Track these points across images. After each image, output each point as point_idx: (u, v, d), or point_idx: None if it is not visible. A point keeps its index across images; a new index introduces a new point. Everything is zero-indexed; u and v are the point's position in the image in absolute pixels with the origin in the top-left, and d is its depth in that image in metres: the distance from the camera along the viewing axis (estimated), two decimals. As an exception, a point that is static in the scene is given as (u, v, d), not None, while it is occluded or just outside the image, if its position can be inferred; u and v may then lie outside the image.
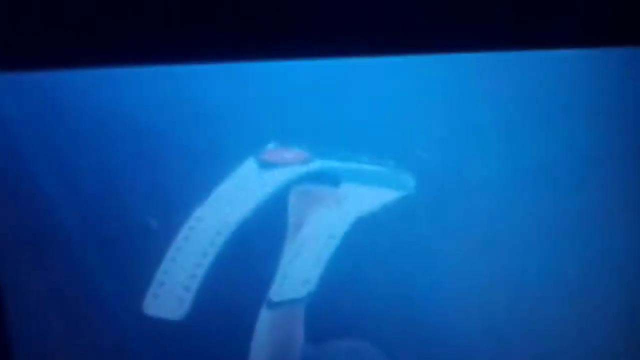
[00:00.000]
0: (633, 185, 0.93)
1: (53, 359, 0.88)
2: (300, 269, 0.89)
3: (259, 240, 0.88)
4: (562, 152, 0.92)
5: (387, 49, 0.88)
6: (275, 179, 0.88)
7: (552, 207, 0.92)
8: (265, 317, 0.88)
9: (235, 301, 0.89)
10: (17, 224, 0.85)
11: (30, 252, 0.86)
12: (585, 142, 0.92)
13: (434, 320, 0.91)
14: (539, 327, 0.94)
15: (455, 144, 0.90)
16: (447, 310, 0.91)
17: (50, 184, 0.85)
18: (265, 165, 0.88)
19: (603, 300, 0.95)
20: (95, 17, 0.82)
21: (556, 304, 0.94)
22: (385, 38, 0.88)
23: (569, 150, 0.92)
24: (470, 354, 0.92)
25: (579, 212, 0.92)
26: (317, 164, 0.89)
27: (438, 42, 0.88)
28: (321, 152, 0.89)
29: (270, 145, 0.88)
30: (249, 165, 0.88)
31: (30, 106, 0.84)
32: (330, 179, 0.89)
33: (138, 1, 0.81)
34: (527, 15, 0.89)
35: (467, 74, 0.89)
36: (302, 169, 0.89)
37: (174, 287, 0.87)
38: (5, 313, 0.85)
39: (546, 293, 0.94)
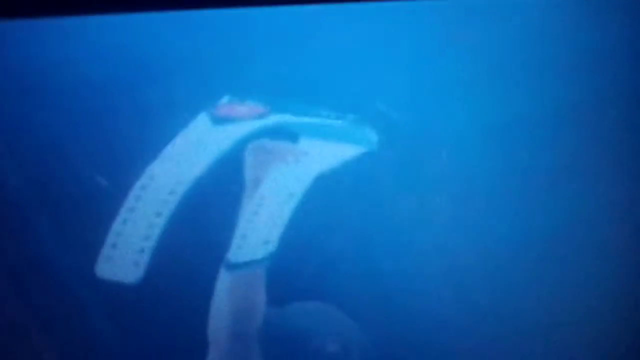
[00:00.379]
0: (611, 137, 0.89)
1: (6, 328, 0.84)
2: (259, 229, 0.85)
3: (215, 199, 0.85)
4: (535, 106, 0.88)
5: (346, -5, 0.84)
6: (230, 134, 0.85)
7: (524, 163, 0.88)
8: (224, 280, 0.85)
9: (192, 263, 0.86)
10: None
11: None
12: (563, 95, 0.89)
13: (398, 280, 0.87)
14: (514, 293, 0.90)
15: (421, 97, 0.87)
16: (411, 270, 0.87)
17: (-4, 142, 0.82)
18: (220, 120, 0.85)
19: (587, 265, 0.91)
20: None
21: (533, 268, 0.90)
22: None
23: (544, 103, 0.88)
24: (437, 317, 0.88)
25: (554, 166, 0.88)
26: (273, 119, 0.86)
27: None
28: (278, 106, 0.86)
29: (224, 99, 0.85)
30: (203, 120, 0.85)
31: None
32: (288, 134, 0.86)
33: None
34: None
35: (432, 21, 0.86)
36: (258, 124, 0.86)
37: (127, 250, 0.84)
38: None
39: (522, 256, 0.90)
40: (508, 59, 0.88)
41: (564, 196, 0.89)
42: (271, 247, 0.86)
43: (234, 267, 0.85)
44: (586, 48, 0.88)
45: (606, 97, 0.88)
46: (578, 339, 0.89)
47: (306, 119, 0.86)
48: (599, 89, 0.89)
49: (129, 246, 0.84)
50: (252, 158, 0.85)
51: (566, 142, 0.89)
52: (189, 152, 0.84)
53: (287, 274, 0.87)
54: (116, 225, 0.84)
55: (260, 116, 0.85)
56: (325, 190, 0.87)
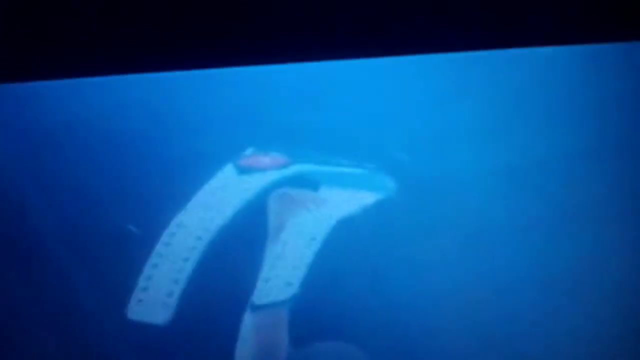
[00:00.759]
0: (625, 183, 0.92)
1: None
2: (282, 272, 0.89)
3: (240, 244, 0.89)
4: (547, 152, 0.91)
5: (362, 52, 0.89)
6: (254, 183, 0.90)
7: (538, 208, 0.91)
8: (248, 321, 0.89)
9: (218, 305, 0.89)
10: None
11: (11, 263, 0.87)
12: (572, 140, 0.92)
13: (416, 321, 0.90)
14: (525, 329, 0.92)
15: (435, 145, 0.90)
16: (430, 312, 0.90)
17: (31, 194, 0.87)
18: (244, 170, 0.89)
19: (595, 302, 0.93)
20: (67, 28, 0.84)
21: (544, 306, 0.93)
22: (361, 41, 0.89)
23: (555, 149, 0.91)
24: (455, 356, 0.91)
25: (567, 211, 0.91)
26: (295, 168, 0.90)
27: (416, 43, 0.89)
28: (299, 156, 0.90)
29: (249, 151, 0.89)
30: (228, 171, 0.89)
31: (6, 116, 0.86)
32: (309, 182, 0.90)
33: (111, 10, 0.84)
34: (507, 12, 0.90)
35: (446, 75, 0.90)
36: (281, 173, 0.90)
37: (157, 293, 0.88)
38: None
39: (533, 295, 0.92)
40: (517, 107, 0.91)
41: (575, 241, 0.92)
42: (293, 289, 0.90)
43: (257, 308, 0.89)
44: (591, 96, 0.91)
45: (612, 142, 0.91)
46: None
47: (326, 168, 0.90)
48: (604, 134, 0.92)
49: (158, 289, 0.89)
50: (275, 205, 0.90)
51: (580, 187, 0.91)
52: (215, 201, 0.89)
53: (308, 315, 0.90)
54: (147, 270, 0.89)
55: (283, 166, 0.90)
56: (344, 234, 0.91)
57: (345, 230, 0.90)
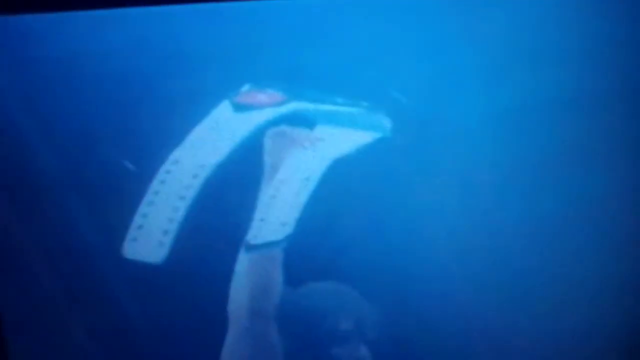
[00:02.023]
0: (619, 128, 0.92)
1: (38, 306, 0.89)
2: (277, 212, 0.89)
3: (236, 183, 0.89)
4: (544, 97, 0.91)
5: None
6: (250, 120, 0.89)
7: (532, 151, 0.91)
8: (244, 260, 0.89)
9: (214, 244, 0.90)
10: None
11: (11, 200, 0.87)
12: (569, 86, 0.92)
13: (410, 262, 0.91)
14: (519, 275, 0.93)
15: (433, 85, 0.90)
16: (422, 252, 0.91)
17: (28, 130, 0.87)
18: (240, 107, 0.89)
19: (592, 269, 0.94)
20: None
21: (538, 250, 0.94)
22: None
23: (551, 94, 0.91)
24: (446, 302, 0.92)
25: (560, 155, 0.92)
26: (291, 106, 0.90)
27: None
28: (296, 94, 0.90)
29: (245, 88, 0.89)
30: (224, 108, 0.89)
31: (6, 51, 0.85)
32: (305, 120, 0.90)
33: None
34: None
35: (444, 13, 0.90)
36: (277, 111, 0.89)
37: (152, 231, 0.88)
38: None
39: (527, 240, 0.93)
40: (516, 49, 0.91)
41: (571, 185, 0.92)
42: (288, 229, 0.90)
43: (252, 248, 0.90)
44: (595, 41, 0.91)
45: (612, 89, 0.91)
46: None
47: (322, 107, 0.90)
48: (605, 80, 0.92)
49: (154, 227, 0.89)
50: (271, 144, 0.89)
51: (572, 131, 0.92)
52: (211, 138, 0.89)
53: (303, 255, 0.91)
54: (142, 208, 0.88)
55: (279, 104, 0.89)
56: (340, 174, 0.91)
57: (341, 170, 0.91)
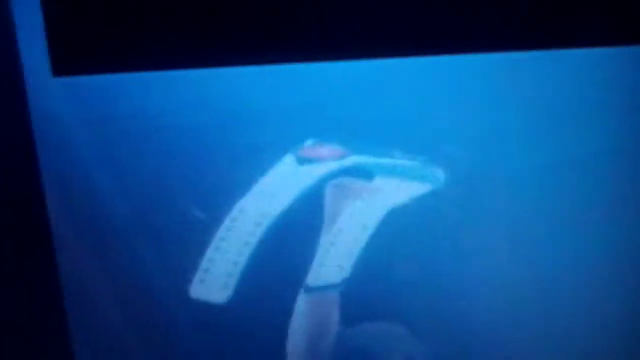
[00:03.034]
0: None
1: (106, 339, 0.96)
2: (335, 257, 0.95)
3: (297, 231, 0.95)
4: (585, 149, 0.96)
5: (418, 50, 0.93)
6: (312, 173, 0.95)
7: (577, 204, 0.97)
8: (302, 301, 0.95)
9: (274, 286, 0.96)
10: (74, 216, 0.93)
11: (86, 243, 0.94)
12: (608, 140, 0.96)
13: (460, 305, 0.96)
14: (567, 322, 0.99)
15: (483, 140, 0.95)
16: (473, 298, 0.96)
17: (106, 181, 0.93)
18: (303, 160, 0.94)
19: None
20: (145, 24, 0.88)
21: (584, 301, 0.99)
22: (417, 39, 0.92)
23: (593, 146, 0.96)
24: (494, 343, 0.98)
25: (605, 208, 0.96)
26: (351, 159, 0.95)
27: (465, 43, 0.93)
28: (355, 148, 0.95)
29: (308, 142, 0.95)
30: (288, 161, 0.94)
31: (85, 107, 0.91)
32: (364, 173, 0.95)
33: (185, 8, 0.88)
34: (551, 13, 0.93)
35: (495, 74, 0.94)
36: (338, 164, 0.95)
37: (218, 274, 0.95)
38: (67, 301, 0.94)
39: (574, 290, 0.98)
40: (563, 105, 0.95)
41: (616, 236, 0.97)
42: (345, 273, 0.96)
43: (311, 290, 0.96)
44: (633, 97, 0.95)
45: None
46: None
47: (380, 160, 0.95)
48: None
49: (220, 270, 0.95)
50: (331, 194, 0.95)
51: (618, 183, 0.96)
52: (275, 189, 0.94)
53: (358, 298, 0.97)
54: (209, 252, 0.95)
55: (340, 157, 0.95)
56: (396, 223, 0.96)
57: (397, 220, 0.96)
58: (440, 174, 0.95)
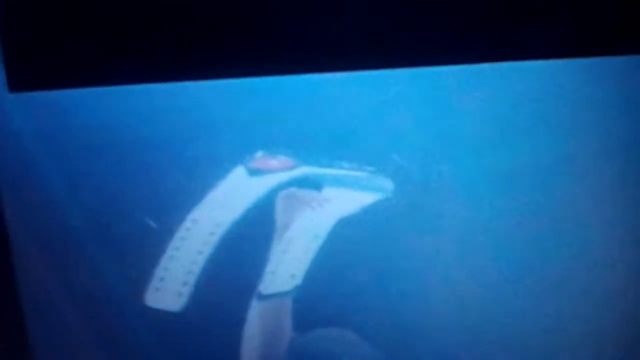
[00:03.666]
0: (623, 192, 0.99)
1: (66, 347, 0.99)
2: (287, 265, 0.98)
3: (249, 240, 0.98)
4: (538, 157, 0.98)
5: (365, 64, 0.95)
6: (263, 184, 0.97)
7: (532, 212, 0.99)
8: (255, 309, 0.98)
9: (228, 294, 0.98)
10: (32, 229, 0.96)
11: (44, 254, 0.97)
12: (563, 147, 0.99)
13: (413, 313, 0.99)
14: (522, 327, 1.02)
15: (432, 150, 0.97)
16: (426, 303, 0.99)
17: (62, 192, 0.96)
18: (254, 172, 0.97)
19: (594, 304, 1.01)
20: (99, 39, 0.92)
21: (539, 305, 1.02)
22: (364, 53, 0.95)
23: (548, 158, 0.98)
24: (450, 347, 1.00)
25: (561, 215, 0.99)
26: (301, 170, 0.98)
27: (416, 56, 0.96)
28: (305, 159, 0.98)
29: (259, 154, 0.97)
30: (239, 172, 0.97)
31: (41, 122, 0.94)
32: (314, 183, 0.98)
33: (137, 24, 0.91)
34: (509, 24, 0.95)
35: (444, 86, 0.96)
36: (288, 175, 0.98)
37: (173, 282, 0.98)
38: (23, 308, 0.97)
39: (527, 294, 1.01)
40: (512, 116, 0.98)
41: (569, 240, 1.00)
42: (297, 281, 0.99)
43: (264, 297, 0.99)
44: (585, 104, 0.98)
45: (605, 149, 0.98)
46: None
47: (329, 171, 0.98)
48: (597, 141, 0.99)
49: (174, 279, 0.98)
50: (282, 204, 0.98)
51: (568, 190, 0.99)
52: (227, 200, 0.97)
53: (310, 305, 1.00)
54: (164, 262, 0.98)
55: (290, 168, 0.98)
56: (345, 232, 0.99)
57: (346, 228, 0.99)
58: (388, 184, 0.97)
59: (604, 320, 1.02)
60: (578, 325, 1.02)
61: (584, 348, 1.02)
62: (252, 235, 0.97)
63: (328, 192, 0.98)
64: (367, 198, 0.98)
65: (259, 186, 0.97)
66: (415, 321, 0.99)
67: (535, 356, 1.01)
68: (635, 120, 0.99)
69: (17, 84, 0.92)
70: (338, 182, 0.97)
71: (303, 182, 0.98)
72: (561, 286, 1.01)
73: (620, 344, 1.04)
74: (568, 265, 1.01)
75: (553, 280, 1.01)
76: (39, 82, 0.93)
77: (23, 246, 0.96)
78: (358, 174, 0.98)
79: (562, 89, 0.98)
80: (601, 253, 1.01)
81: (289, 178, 0.98)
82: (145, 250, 0.97)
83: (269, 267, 0.98)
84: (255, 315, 0.98)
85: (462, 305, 0.99)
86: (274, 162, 0.97)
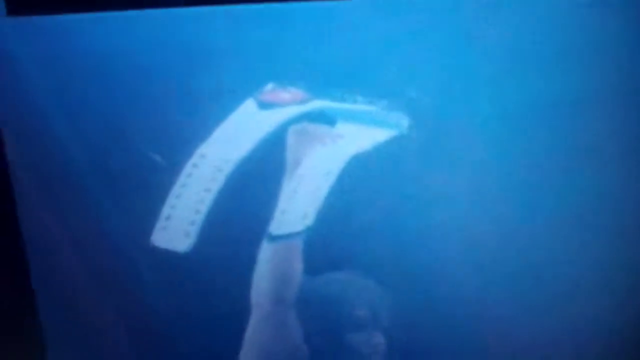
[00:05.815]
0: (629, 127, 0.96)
1: (69, 288, 0.94)
2: (298, 205, 0.94)
3: (259, 177, 0.94)
4: (554, 96, 0.95)
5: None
6: (273, 118, 0.93)
7: (546, 149, 0.96)
8: (266, 250, 0.93)
9: (237, 235, 0.94)
10: (30, 164, 0.90)
11: (45, 192, 0.92)
12: (578, 87, 0.96)
13: (424, 252, 0.95)
14: (528, 269, 0.98)
15: (448, 85, 0.94)
16: (436, 243, 0.95)
17: (62, 122, 0.91)
18: (264, 105, 0.93)
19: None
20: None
21: (550, 246, 0.98)
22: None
23: (560, 93, 0.95)
24: (458, 287, 0.97)
25: (575, 153, 0.96)
26: (313, 104, 0.93)
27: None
28: (318, 93, 0.94)
29: (269, 86, 0.93)
30: (249, 106, 0.92)
31: (40, 48, 0.89)
32: (326, 118, 0.94)
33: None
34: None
35: (462, 16, 0.93)
36: (300, 109, 0.93)
37: (180, 221, 0.93)
38: (26, 250, 0.91)
39: (538, 236, 0.98)
40: (529, 49, 0.94)
41: (582, 181, 0.97)
42: (309, 221, 0.94)
43: (274, 238, 0.94)
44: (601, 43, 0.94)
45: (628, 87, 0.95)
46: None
47: (343, 105, 0.94)
48: (619, 79, 0.95)
49: (181, 218, 0.93)
50: (293, 140, 0.94)
51: (581, 130, 0.96)
52: (236, 134, 0.93)
53: (322, 246, 0.95)
54: (170, 199, 0.93)
55: (301, 102, 0.93)
56: (358, 169, 0.95)
57: (360, 165, 0.94)
58: (403, 119, 0.93)
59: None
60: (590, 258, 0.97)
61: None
62: (262, 172, 0.94)
63: (341, 127, 0.94)
64: (381, 134, 0.94)
65: (270, 120, 0.93)
66: (428, 262, 0.95)
67: (550, 291, 0.96)
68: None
69: (15, 8, 0.87)
70: (351, 117, 0.94)
71: (315, 117, 0.95)
72: (574, 223, 0.97)
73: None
74: (582, 201, 0.97)
75: (565, 218, 0.97)
76: (37, 6, 0.88)
77: (22, 185, 0.90)
78: (372, 108, 0.94)
79: (588, 22, 0.93)
80: (616, 191, 0.97)
81: (301, 112, 0.94)
82: (150, 186, 0.92)
83: (280, 207, 0.93)
84: (264, 257, 0.94)
85: (475, 245, 0.95)
86: (285, 95, 0.93)
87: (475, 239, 0.96)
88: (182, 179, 0.92)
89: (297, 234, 0.93)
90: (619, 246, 0.97)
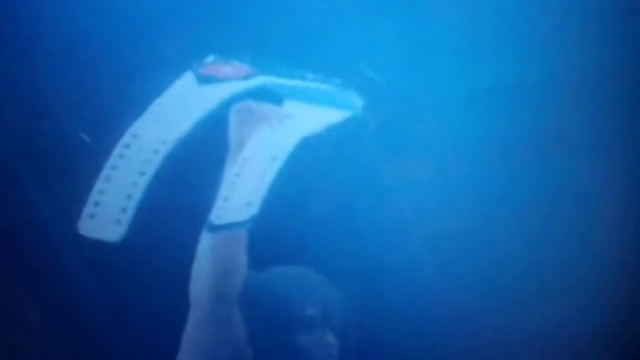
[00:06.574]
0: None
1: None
2: (242, 191, 0.86)
3: (199, 160, 0.86)
4: (512, 78, 0.90)
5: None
6: (214, 94, 0.85)
7: (504, 131, 0.90)
8: (206, 241, 0.85)
9: (174, 224, 0.86)
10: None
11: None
12: (536, 70, 0.90)
13: (376, 244, 0.88)
14: (492, 258, 0.91)
15: (406, 65, 0.88)
16: (391, 233, 0.89)
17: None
18: (204, 79, 0.85)
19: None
20: None
21: (519, 235, 0.92)
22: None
23: (518, 76, 0.90)
24: (419, 284, 0.90)
25: (540, 134, 0.90)
26: (259, 80, 0.86)
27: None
28: (264, 68, 0.86)
29: (209, 58, 0.85)
30: (187, 80, 0.85)
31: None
32: (273, 95, 0.87)
33: None
34: None
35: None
36: (243, 85, 0.86)
37: (110, 208, 0.83)
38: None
39: (505, 222, 0.91)
40: (489, 30, 0.89)
41: (547, 167, 0.91)
42: (253, 209, 0.86)
43: (215, 228, 0.86)
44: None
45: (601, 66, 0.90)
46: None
47: (291, 82, 0.86)
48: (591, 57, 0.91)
49: (111, 204, 0.84)
50: (236, 119, 0.86)
51: (549, 112, 0.90)
52: (173, 111, 0.84)
53: (269, 237, 0.87)
54: (99, 183, 0.84)
55: (246, 77, 0.85)
56: (308, 153, 0.87)
57: (310, 149, 0.87)
58: (357, 100, 0.86)
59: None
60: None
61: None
62: (202, 154, 0.86)
63: (289, 106, 0.87)
64: (333, 115, 0.87)
65: (210, 97, 0.85)
66: (381, 254, 0.89)
67: (511, 285, 0.90)
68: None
69: None
70: (301, 95, 0.87)
71: (261, 94, 0.87)
72: (539, 211, 0.91)
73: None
74: (546, 188, 0.92)
75: (530, 206, 0.92)
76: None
77: None
78: (323, 86, 0.86)
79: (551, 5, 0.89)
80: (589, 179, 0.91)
81: (245, 88, 0.86)
82: (76, 169, 0.82)
83: (222, 193, 0.85)
84: (205, 249, 0.86)
85: (436, 237, 0.89)
86: (227, 69, 0.85)
87: (437, 231, 0.89)
88: (112, 160, 0.83)
89: (241, 223, 0.85)
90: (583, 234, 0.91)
